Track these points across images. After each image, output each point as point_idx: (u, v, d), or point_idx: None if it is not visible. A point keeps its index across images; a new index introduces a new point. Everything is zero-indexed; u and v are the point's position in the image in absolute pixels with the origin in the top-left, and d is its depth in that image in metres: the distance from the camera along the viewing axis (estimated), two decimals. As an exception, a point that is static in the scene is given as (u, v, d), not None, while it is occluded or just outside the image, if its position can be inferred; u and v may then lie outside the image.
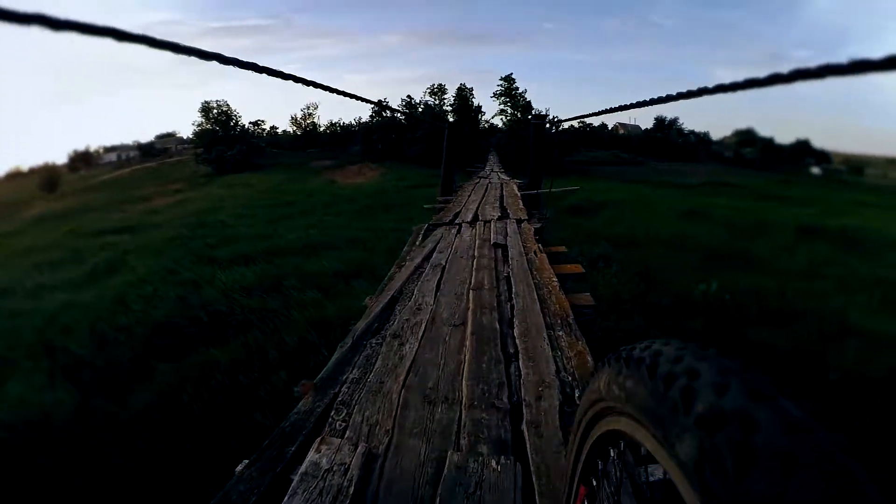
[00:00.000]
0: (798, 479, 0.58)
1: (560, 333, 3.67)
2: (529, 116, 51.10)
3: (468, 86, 61.20)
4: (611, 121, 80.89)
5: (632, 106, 2.93)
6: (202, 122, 59.77)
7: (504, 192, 13.05)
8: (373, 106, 58.97)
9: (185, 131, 76.88)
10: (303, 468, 2.23)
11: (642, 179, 40.29)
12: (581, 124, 57.16)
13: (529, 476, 2.23)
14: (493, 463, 2.26)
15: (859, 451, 0.62)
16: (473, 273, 5.34)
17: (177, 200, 35.60)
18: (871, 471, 0.58)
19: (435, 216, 9.54)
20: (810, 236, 16.19)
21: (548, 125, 14.23)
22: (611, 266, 10.49)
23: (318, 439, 2.42)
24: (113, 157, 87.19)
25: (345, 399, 2.90)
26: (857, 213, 24.10)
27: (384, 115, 57.10)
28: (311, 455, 2.32)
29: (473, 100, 60.16)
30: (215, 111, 60.06)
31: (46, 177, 63.49)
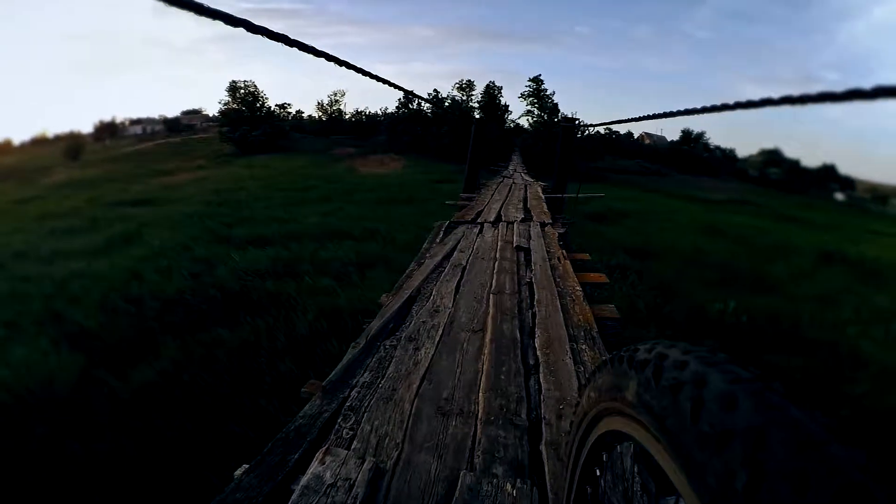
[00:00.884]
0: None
1: (583, 347, 3.49)
2: (556, 119, 51.06)
3: (497, 84, 61.03)
4: (637, 130, 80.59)
5: (663, 115, 2.87)
6: (229, 102, 60.66)
7: (528, 194, 12.88)
8: (400, 97, 59.29)
9: (212, 109, 77.52)
10: (304, 480, 2.07)
11: (665, 191, 40.10)
12: (607, 131, 56.97)
13: (546, 502, 2.07)
14: (509, 486, 2.10)
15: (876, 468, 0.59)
16: (494, 276, 5.15)
17: (198, 177, 35.78)
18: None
19: (457, 213, 9.36)
20: (829, 262, 15.94)
21: (577, 131, 14.03)
22: (628, 277, 10.32)
23: (323, 449, 2.25)
24: (138, 129, 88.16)
25: (354, 405, 2.73)
26: (877, 242, 23.84)
27: (410, 107, 57.25)
28: (315, 466, 2.16)
29: (501, 98, 60.11)
30: (242, 91, 60.81)
31: (71, 144, 64.33)
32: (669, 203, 29.47)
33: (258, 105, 61.19)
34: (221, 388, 5.64)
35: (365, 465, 2.17)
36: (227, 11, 1.20)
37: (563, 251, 6.26)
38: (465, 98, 59.75)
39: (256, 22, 1.32)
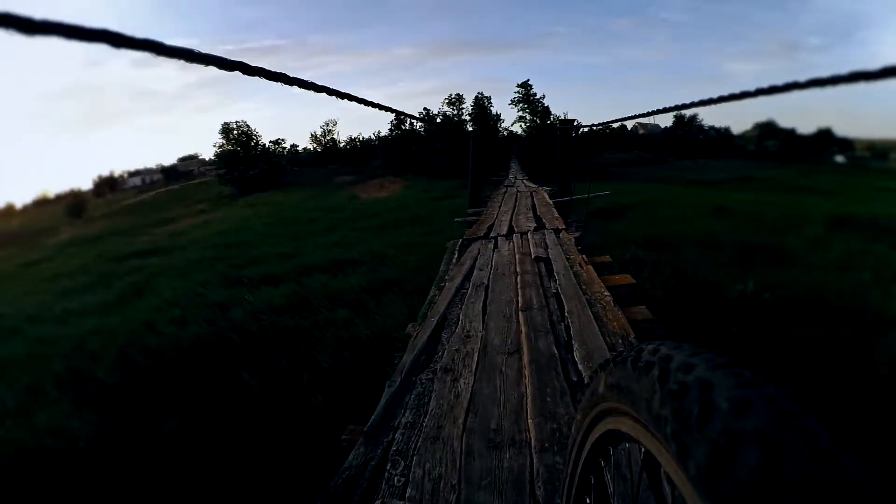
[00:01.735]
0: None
1: (624, 355, 3.38)
2: (551, 121, 51.17)
3: (485, 94, 61.12)
4: (630, 122, 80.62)
5: (662, 111, 3.02)
6: (223, 144, 61.12)
7: (535, 201, 12.83)
8: (392, 119, 59.44)
9: (207, 153, 78.16)
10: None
11: (666, 178, 40.01)
12: (600, 127, 57.11)
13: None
14: (575, 517, 2.01)
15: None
16: (519, 291, 5.07)
17: (201, 221, 35.97)
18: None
19: (468, 230, 9.33)
20: (842, 227, 15.87)
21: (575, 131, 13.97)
22: (643, 270, 10.22)
23: (378, 503, 2.18)
24: (137, 181, 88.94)
25: (400, 448, 2.62)
26: (886, 199, 23.72)
27: (403, 127, 57.38)
28: (371, 524, 2.06)
29: (491, 108, 60.16)
30: (235, 132, 61.29)
31: (73, 202, 65.01)
32: (673, 190, 29.34)
33: (252, 144, 61.44)
34: (252, 433, 5.57)
35: (424, 514, 2.07)
36: (221, 56, 1.17)
37: (583, 256, 6.19)
38: (455, 112, 59.80)
39: (249, 63, 1.29)
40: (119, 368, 8.35)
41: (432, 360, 3.70)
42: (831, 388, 5.55)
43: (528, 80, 58.66)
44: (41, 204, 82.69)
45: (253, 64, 1.32)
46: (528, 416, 2.79)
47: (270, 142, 67.59)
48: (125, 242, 29.64)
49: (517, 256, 6.58)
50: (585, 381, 3.03)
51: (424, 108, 57.62)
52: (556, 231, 8.16)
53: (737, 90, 1.41)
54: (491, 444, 2.59)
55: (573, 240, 7.42)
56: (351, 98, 2.42)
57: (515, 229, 8.68)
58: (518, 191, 17.15)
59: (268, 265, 14.98)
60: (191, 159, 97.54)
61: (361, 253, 14.65)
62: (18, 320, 13.63)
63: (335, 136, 75.08)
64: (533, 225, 8.93)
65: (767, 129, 70.29)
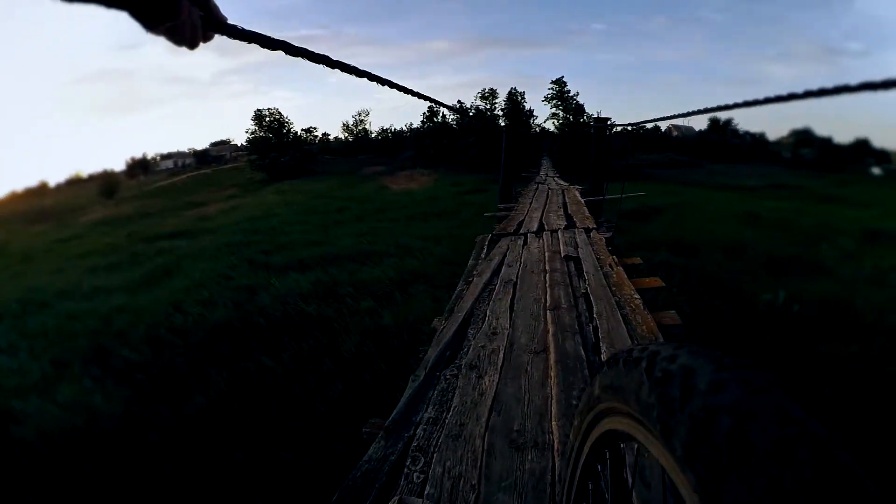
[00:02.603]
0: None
1: (653, 360, 3.29)
2: (584, 119, 50.87)
3: (519, 90, 60.92)
4: (663, 123, 79.89)
5: (697, 112, 3.00)
6: (255, 130, 61.64)
7: (566, 199, 12.70)
8: (425, 111, 59.60)
9: (240, 139, 78.76)
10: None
11: (699, 182, 39.65)
12: (634, 127, 56.57)
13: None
14: (596, 523, 1.96)
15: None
16: (548, 290, 4.96)
17: (231, 206, 36.15)
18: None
19: (498, 225, 9.23)
20: (875, 240, 15.52)
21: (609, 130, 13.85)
22: (673, 275, 10.11)
23: (396, 499, 2.12)
24: (169, 163, 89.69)
25: (421, 444, 2.57)
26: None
27: (435, 120, 57.38)
28: (387, 519, 2.02)
29: (525, 104, 59.96)
30: (268, 119, 61.78)
31: (105, 183, 65.62)
32: (704, 194, 29.05)
33: (284, 131, 62.02)
34: (271, 416, 5.60)
35: (442, 514, 2.03)
36: (266, 34, 1.21)
37: (614, 257, 6.08)
38: (488, 107, 59.72)
39: (274, 52, 1.30)
40: (145, 346, 8.45)
41: (457, 356, 3.63)
42: (858, 405, 5.45)
43: (563, 76, 58.52)
44: (74, 183, 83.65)
45: (299, 45, 1.34)
46: (553, 418, 2.72)
47: (302, 130, 68.17)
48: (155, 224, 29.93)
49: (547, 254, 6.45)
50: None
51: (458, 101, 57.55)
52: (587, 230, 8.02)
53: (772, 94, 1.39)
54: (513, 444, 2.53)
55: (604, 240, 7.27)
56: (391, 84, 2.42)
57: (546, 227, 8.55)
58: (549, 188, 16.96)
59: (295, 252, 15.06)
60: (223, 144, 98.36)
61: (389, 244, 14.69)
62: (48, 295, 13.82)
63: (367, 127, 75.47)
64: (564, 223, 8.79)
65: (803, 137, 69.44)
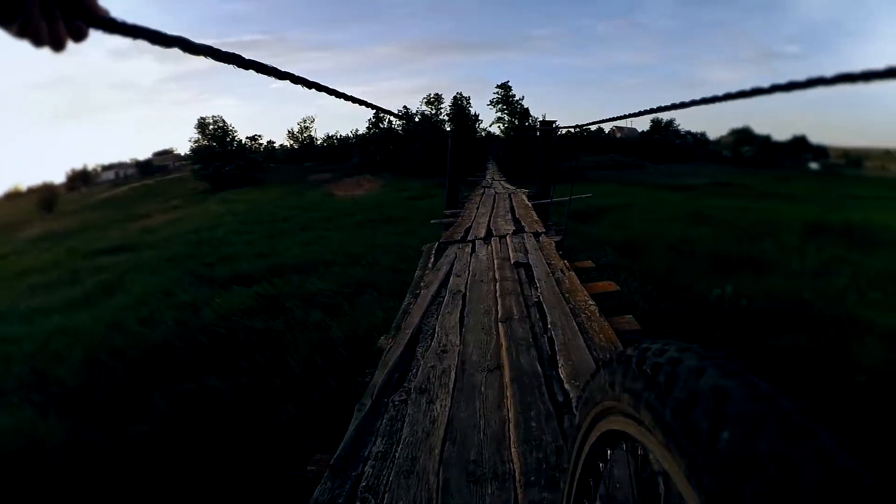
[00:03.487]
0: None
1: (613, 370, 3.17)
2: (529, 123, 51.31)
3: (465, 94, 61.20)
4: (607, 125, 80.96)
5: (640, 113, 3.00)
6: (199, 139, 61.22)
7: (514, 203, 12.65)
8: (370, 118, 59.54)
9: (183, 148, 77.66)
10: None
11: (643, 182, 40.27)
12: (578, 129, 57.36)
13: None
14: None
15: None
16: (499, 300, 4.82)
17: (175, 217, 35.62)
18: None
19: (444, 232, 9.11)
20: (817, 234, 16.08)
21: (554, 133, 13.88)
22: (619, 275, 10.15)
23: None
24: (111, 175, 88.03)
25: (371, 483, 2.36)
26: (860, 206, 24.09)
27: (381, 126, 57.38)
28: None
29: (470, 108, 60.26)
30: (211, 127, 61.30)
31: (45, 196, 64.15)
32: (649, 194, 29.55)
33: (228, 139, 61.43)
34: (218, 440, 5.41)
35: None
36: (215, 47, 1.16)
37: (565, 262, 6.02)
38: (434, 112, 59.88)
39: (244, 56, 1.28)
40: (84, 369, 8.18)
41: (406, 378, 3.43)
42: (811, 395, 5.52)
43: (508, 81, 58.91)
44: (12, 197, 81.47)
45: (250, 58, 1.32)
46: (512, 445, 2.57)
47: (247, 138, 67.72)
48: (97, 238, 29.26)
49: (496, 262, 6.34)
50: (573, 401, 2.91)
51: (404, 107, 57.61)
52: (536, 235, 7.94)
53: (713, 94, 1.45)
54: (471, 477, 2.36)
55: (553, 244, 7.21)
56: (338, 94, 2.33)
57: (494, 232, 8.45)
58: (496, 192, 16.92)
59: (240, 263, 14.79)
60: (166, 154, 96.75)
61: (336, 253, 14.54)
62: (-18, 318, 13.32)
63: (312, 134, 74.91)
64: (512, 228, 8.71)
65: (743, 135, 71.09)
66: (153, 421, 6.06)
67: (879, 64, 0.75)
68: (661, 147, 67.54)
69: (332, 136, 74.22)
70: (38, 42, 0.76)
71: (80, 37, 0.85)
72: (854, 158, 69.60)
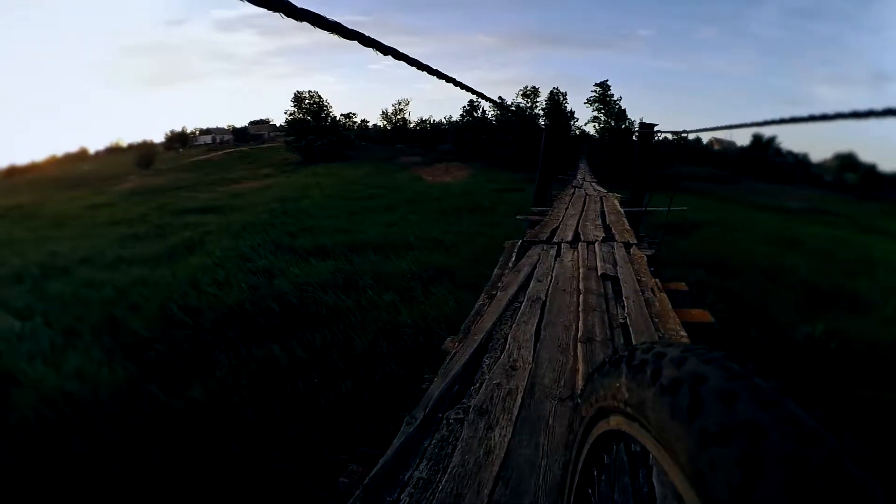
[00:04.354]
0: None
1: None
2: (626, 125, 50.38)
3: (561, 90, 60.42)
4: (706, 135, 78.83)
5: (745, 125, 2.90)
6: (294, 112, 62.19)
7: (605, 208, 12.16)
8: (465, 105, 59.61)
9: (279, 119, 79.39)
10: None
11: (738, 199, 38.99)
12: (675, 137, 55.90)
13: None
14: None
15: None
16: (581, 316, 4.35)
17: (264, 185, 36.38)
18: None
19: (529, 231, 8.73)
20: (918, 277, 14.92)
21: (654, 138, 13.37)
22: (707, 296, 9.70)
23: None
24: (208, 139, 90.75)
25: None
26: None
27: (475, 115, 57.25)
28: None
29: (566, 105, 59.48)
30: (307, 101, 62.44)
31: (143, 153, 66.41)
32: (744, 212, 28.55)
33: (323, 115, 62.44)
34: (272, 412, 5.35)
35: None
36: (320, 13, 1.21)
37: (657, 281, 5.47)
38: (529, 105, 59.32)
39: (316, 36, 1.22)
40: (157, 322, 8.32)
41: (466, 392, 3.09)
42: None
43: (607, 80, 57.90)
44: (113, 151, 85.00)
45: (352, 28, 1.36)
46: (575, 496, 2.21)
47: (341, 114, 68.55)
48: (187, 197, 30.20)
49: (581, 270, 5.84)
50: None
51: (500, 97, 57.16)
52: (627, 245, 7.35)
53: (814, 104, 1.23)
54: None
55: (645, 258, 6.62)
56: (437, 74, 2.35)
57: (582, 237, 7.95)
58: (587, 193, 16.33)
59: (321, 236, 14.93)
60: (262, 123, 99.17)
61: (417, 237, 14.43)
62: (71, 261, 13.86)
63: (406, 116, 75.25)
64: (601, 235, 8.19)
65: (847, 161, 68.22)
66: (213, 384, 6.04)
67: None
68: (760, 164, 65.40)
69: (426, 120, 74.47)
70: None
71: None
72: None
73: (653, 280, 5.46)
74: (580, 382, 3.15)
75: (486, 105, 56.65)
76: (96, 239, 17.94)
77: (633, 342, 3.83)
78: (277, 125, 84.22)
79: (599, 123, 56.07)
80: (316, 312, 8.19)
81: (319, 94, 63.60)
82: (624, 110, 55.33)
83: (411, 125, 73.80)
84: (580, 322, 4.20)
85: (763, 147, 68.91)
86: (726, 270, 12.52)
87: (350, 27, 1.31)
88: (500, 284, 5.27)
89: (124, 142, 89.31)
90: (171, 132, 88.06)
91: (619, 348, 3.78)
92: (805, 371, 7.17)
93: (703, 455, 0.65)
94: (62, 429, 5.27)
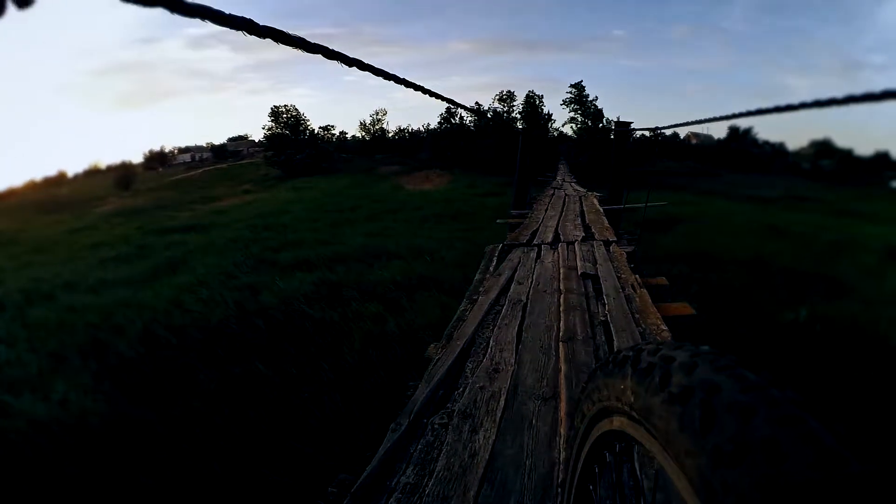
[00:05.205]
0: None
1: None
2: (603, 125, 50.74)
3: (537, 93, 60.76)
4: (682, 130, 79.47)
5: (720, 118, 2.96)
6: (272, 126, 62.44)
7: (584, 207, 12.24)
8: (442, 112, 59.90)
9: (257, 135, 79.47)
10: None
11: (717, 192, 39.28)
12: (653, 134, 56.33)
13: None
14: None
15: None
16: (562, 316, 4.40)
17: (245, 201, 36.40)
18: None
19: (510, 234, 8.80)
20: (897, 257, 15.09)
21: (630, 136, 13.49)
22: (690, 288, 9.76)
23: None
24: (187, 157, 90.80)
25: None
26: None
27: (453, 121, 57.60)
28: None
29: (543, 107, 59.82)
30: (285, 116, 62.65)
31: (122, 174, 66.15)
32: (723, 205, 28.75)
33: (301, 128, 62.79)
34: (262, 426, 5.35)
35: None
36: (304, 38, 1.27)
37: (637, 277, 5.57)
38: (506, 109, 59.62)
39: (293, 50, 1.33)
40: (142, 344, 8.26)
41: (451, 397, 3.17)
42: (887, 431, 5.13)
43: (581, 80, 58.23)
44: (92, 174, 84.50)
45: (312, 41, 1.36)
46: (559, 496, 2.20)
47: (319, 127, 68.61)
48: (168, 217, 30.13)
49: (562, 271, 5.92)
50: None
51: (476, 103, 57.44)
52: (607, 243, 7.49)
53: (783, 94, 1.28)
54: None
55: (625, 255, 6.73)
56: (408, 84, 2.36)
57: (562, 238, 8.01)
58: (566, 194, 16.45)
59: (304, 250, 14.92)
60: (241, 140, 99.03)
61: (400, 245, 14.42)
62: (54, 286, 13.80)
63: (384, 126, 75.35)
64: (581, 234, 8.26)
65: (823, 148, 68.84)
66: (200, 402, 6.02)
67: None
68: (738, 156, 65.86)
69: (404, 129, 74.73)
70: None
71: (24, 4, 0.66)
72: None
73: (633, 276, 5.55)
74: (563, 381, 3.22)
75: (463, 111, 56.96)
76: (79, 263, 17.85)
77: (615, 339, 3.90)
78: (256, 140, 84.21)
79: (577, 124, 56.47)
80: (302, 326, 8.19)
81: (297, 107, 64.22)
82: (601, 110, 55.80)
83: (390, 135, 73.98)
84: (561, 322, 4.27)
85: (740, 138, 69.47)
86: (708, 262, 12.62)
87: (314, 41, 1.31)
88: (481, 289, 5.34)
89: (103, 163, 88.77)
90: (150, 152, 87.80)
91: (601, 345, 3.88)
92: (792, 355, 7.25)
93: (716, 475, 0.61)
94: (54, 453, 5.23)
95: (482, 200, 27.11)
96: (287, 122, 62.25)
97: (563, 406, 2.93)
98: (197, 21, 0.84)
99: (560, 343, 3.84)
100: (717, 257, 13.29)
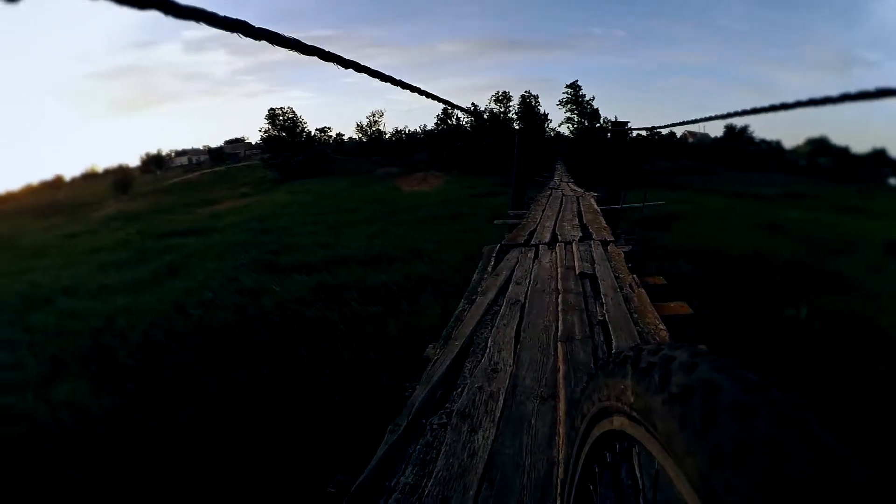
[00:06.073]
0: None
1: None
2: (599, 124, 50.70)
3: (532, 93, 60.69)
4: (679, 129, 79.39)
5: (717, 117, 2.94)
6: (269, 129, 62.09)
7: (581, 207, 12.24)
8: (438, 114, 59.82)
9: (254, 137, 79.23)
10: None
11: (715, 189, 39.26)
12: (649, 133, 56.37)
13: None
14: None
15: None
16: (560, 315, 4.40)
17: (243, 204, 36.30)
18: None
19: (508, 234, 8.80)
20: (897, 252, 15.10)
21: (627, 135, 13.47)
22: (689, 286, 9.77)
23: None
24: (184, 160, 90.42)
25: None
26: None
27: (449, 122, 57.48)
28: None
29: (539, 107, 59.74)
30: (281, 118, 62.43)
31: (120, 178, 65.87)
32: (721, 202, 28.78)
33: (298, 130, 62.52)
34: (263, 431, 5.38)
35: None
36: (300, 39, 1.25)
37: (634, 276, 5.59)
38: (502, 110, 59.50)
39: (290, 52, 1.29)
40: (143, 349, 8.27)
41: (449, 397, 3.14)
42: (886, 426, 5.13)
43: (577, 80, 58.17)
44: (89, 177, 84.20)
45: (308, 43, 1.34)
46: (559, 495, 2.16)
47: (316, 129, 68.45)
48: (166, 220, 30.02)
49: (559, 271, 5.92)
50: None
51: (472, 104, 57.33)
52: (604, 243, 7.50)
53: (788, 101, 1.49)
54: None
55: (622, 255, 6.73)
56: (404, 85, 2.33)
57: (559, 238, 8.03)
58: (564, 194, 16.45)
59: (303, 253, 14.96)
60: (238, 142, 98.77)
61: (399, 247, 14.46)
62: (54, 291, 13.75)
63: (381, 128, 75.22)
64: (578, 234, 8.27)
65: (820, 146, 68.91)
66: (202, 406, 6.05)
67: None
68: (735, 154, 65.91)
69: (401, 130, 74.45)
70: None
71: None
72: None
73: (630, 276, 5.57)
74: (561, 381, 3.22)
75: (460, 112, 56.97)
76: (78, 267, 17.77)
77: (613, 338, 3.92)
78: (253, 143, 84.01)
79: (573, 124, 56.41)
80: (302, 328, 8.21)
81: (293, 109, 63.88)
82: (597, 110, 55.73)
83: (387, 136, 73.81)
84: (559, 322, 4.28)
85: (736, 136, 69.49)
86: (708, 259, 12.67)
87: (309, 43, 1.31)
88: (479, 289, 5.33)
89: (100, 167, 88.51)
90: (147, 155, 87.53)
91: (600, 345, 3.88)
92: (794, 352, 7.25)
93: (716, 474, 0.60)
94: (56, 457, 5.26)
95: (480, 201, 27.15)
96: (284, 125, 62.05)
97: (561, 405, 2.93)
98: (193, 24, 0.85)
99: (558, 343, 3.84)
100: (716, 254, 13.34)
